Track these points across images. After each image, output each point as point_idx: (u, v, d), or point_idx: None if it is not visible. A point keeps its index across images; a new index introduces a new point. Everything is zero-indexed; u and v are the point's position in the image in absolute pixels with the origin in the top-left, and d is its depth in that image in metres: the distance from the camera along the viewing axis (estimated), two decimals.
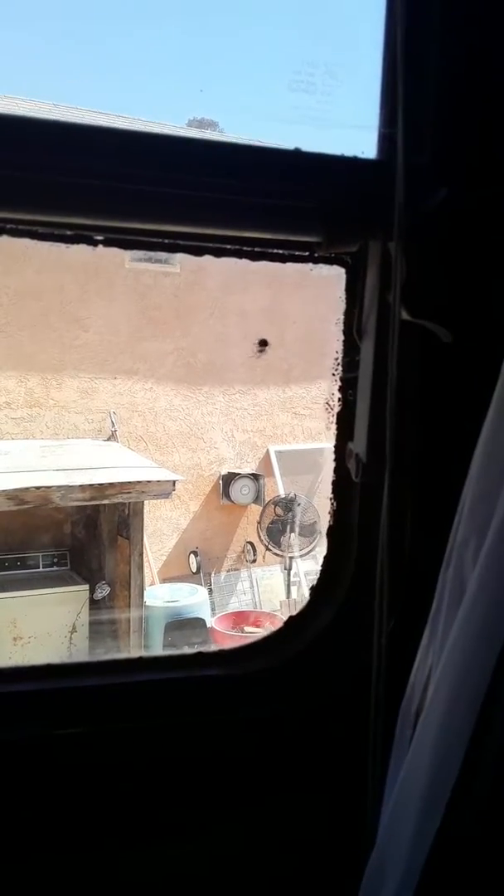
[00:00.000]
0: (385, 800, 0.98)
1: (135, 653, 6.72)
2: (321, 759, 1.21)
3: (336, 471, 1.23)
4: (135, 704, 1.15)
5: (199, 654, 1.22)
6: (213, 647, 6.95)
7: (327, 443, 8.87)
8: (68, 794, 1.11)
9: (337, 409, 1.23)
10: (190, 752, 1.16)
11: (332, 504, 1.25)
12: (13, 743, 1.08)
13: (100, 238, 1.07)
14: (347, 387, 1.20)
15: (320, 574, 1.27)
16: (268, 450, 8.80)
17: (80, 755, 1.11)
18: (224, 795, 1.18)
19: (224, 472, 8.50)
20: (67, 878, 1.13)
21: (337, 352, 1.23)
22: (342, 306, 1.21)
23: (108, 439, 7.84)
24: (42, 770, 1.10)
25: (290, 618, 1.26)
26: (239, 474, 8.43)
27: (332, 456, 1.24)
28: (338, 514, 1.24)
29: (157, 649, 6.90)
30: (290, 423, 8.97)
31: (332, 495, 1.25)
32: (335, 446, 1.23)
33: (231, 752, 1.18)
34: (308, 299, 8.29)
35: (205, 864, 1.19)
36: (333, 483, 1.25)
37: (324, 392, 8.94)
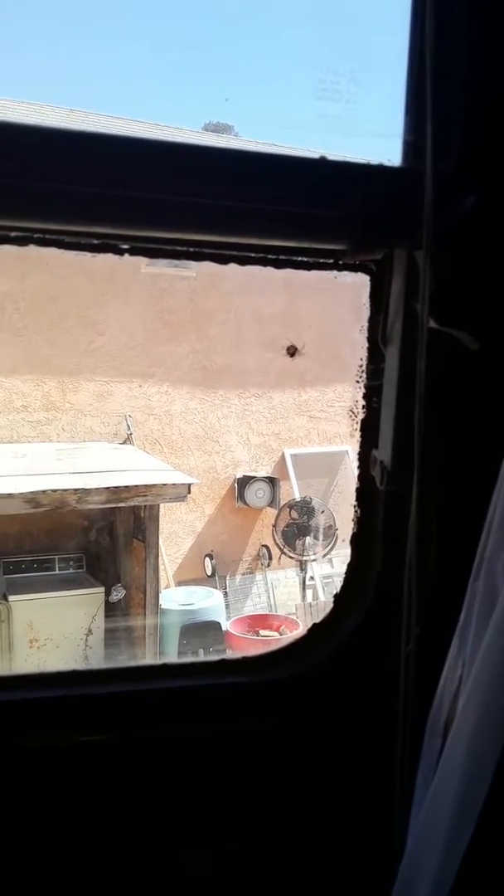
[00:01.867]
0: (414, 812, 0.97)
1: (150, 656, 6.74)
2: (347, 768, 1.20)
3: (360, 478, 1.23)
4: (159, 711, 1.15)
5: (224, 660, 1.22)
6: (228, 651, 6.95)
7: (343, 446, 8.88)
8: (90, 801, 1.11)
9: (361, 416, 1.23)
10: (214, 760, 1.16)
11: (356, 511, 1.25)
12: (37, 750, 1.08)
13: (125, 247, 1.07)
14: (372, 394, 1.20)
15: (344, 581, 1.27)
16: (283, 453, 8.80)
17: (105, 762, 1.11)
18: (249, 804, 1.18)
19: (239, 475, 8.50)
20: (91, 884, 1.13)
21: (361, 359, 1.22)
22: (366, 314, 1.21)
23: (124, 442, 7.87)
24: (65, 778, 1.10)
25: (314, 625, 1.26)
26: (254, 477, 8.43)
27: (356, 462, 1.24)
28: (362, 522, 1.23)
29: (173, 653, 6.91)
30: (305, 426, 8.96)
31: (356, 503, 1.25)
32: (359, 454, 1.23)
33: (255, 761, 1.17)
34: (324, 303, 8.28)
35: (234, 872, 1.18)
36: (357, 490, 1.24)
37: (339, 395, 8.93)
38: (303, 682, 1.20)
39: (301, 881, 1.21)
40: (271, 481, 8.50)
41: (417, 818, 0.94)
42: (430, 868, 0.88)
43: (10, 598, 6.51)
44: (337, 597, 1.28)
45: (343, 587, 1.27)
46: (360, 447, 1.23)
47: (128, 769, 1.13)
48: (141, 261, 7.73)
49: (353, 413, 1.27)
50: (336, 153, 1.09)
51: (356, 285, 1.22)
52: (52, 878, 1.12)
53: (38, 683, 1.13)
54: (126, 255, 1.09)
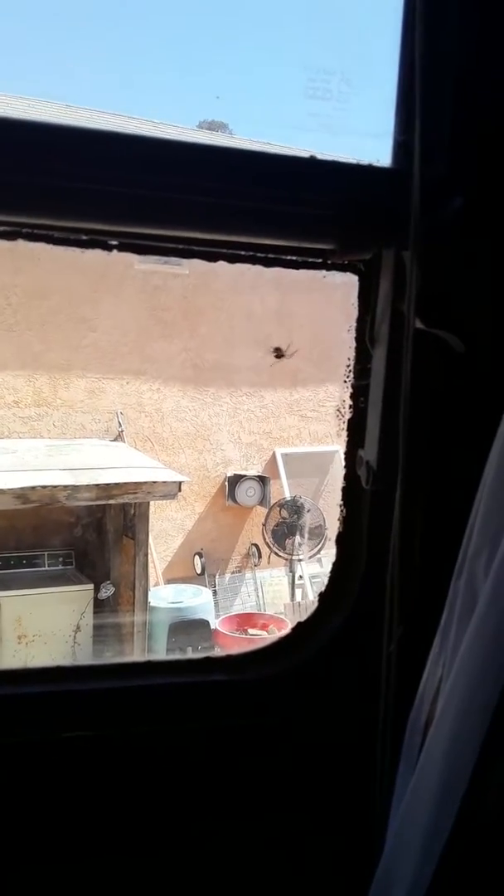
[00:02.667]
0: (393, 810, 0.97)
1: (138, 654, 6.74)
2: (328, 767, 1.20)
3: (346, 478, 1.23)
4: (142, 709, 1.15)
5: (208, 658, 1.22)
6: (216, 649, 6.95)
7: (334, 446, 8.90)
8: (73, 798, 1.11)
9: (348, 415, 1.23)
10: (195, 758, 1.16)
11: (341, 511, 1.25)
12: (21, 745, 1.08)
13: (114, 243, 1.07)
14: (359, 394, 1.20)
15: (329, 580, 1.27)
16: (274, 452, 8.81)
17: (86, 759, 1.11)
18: (229, 802, 1.18)
19: (230, 473, 8.50)
20: (72, 882, 1.13)
21: (349, 359, 1.23)
22: (355, 313, 1.21)
23: (115, 439, 7.85)
24: (47, 774, 1.10)
25: (299, 624, 1.26)
26: (245, 476, 8.43)
27: (342, 461, 1.24)
28: (347, 521, 1.24)
29: (161, 650, 6.91)
30: (296, 425, 8.97)
31: (342, 502, 1.25)
32: (346, 453, 1.23)
33: (236, 759, 1.17)
34: (316, 302, 8.29)
35: (210, 872, 1.18)
36: (343, 490, 1.24)
37: (330, 395, 8.94)
38: (286, 680, 1.20)
39: (280, 880, 1.21)
40: (262, 480, 8.50)
41: (396, 817, 0.95)
42: (408, 867, 0.88)
43: None
44: (322, 595, 1.28)
45: (328, 586, 1.27)
46: (347, 447, 1.23)
47: (110, 766, 1.13)
48: (134, 258, 7.72)
49: (340, 412, 1.27)
50: (332, 153, 1.09)
51: (348, 285, 1.23)
52: (34, 877, 1.11)
53: (20, 679, 1.13)
54: (115, 251, 1.09)
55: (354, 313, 1.21)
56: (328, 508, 8.04)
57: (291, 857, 1.20)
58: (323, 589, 1.28)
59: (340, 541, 1.25)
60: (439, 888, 0.88)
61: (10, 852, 1.09)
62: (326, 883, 1.22)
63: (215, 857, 1.18)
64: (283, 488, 8.52)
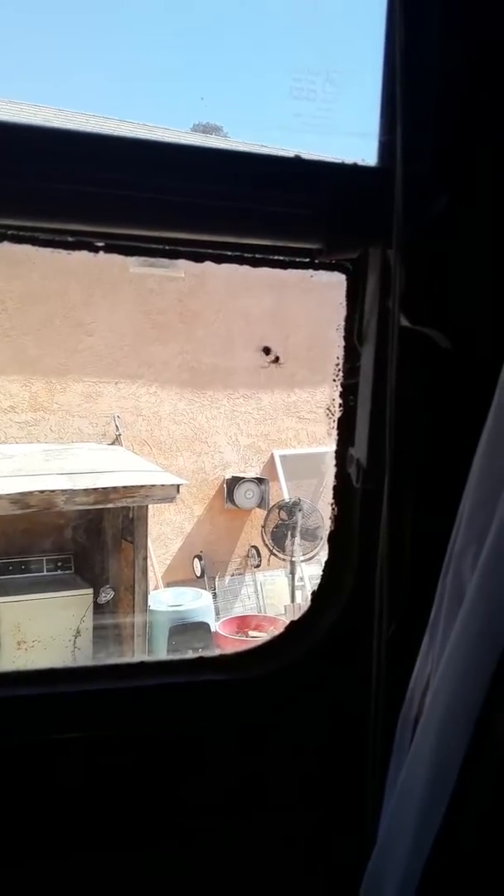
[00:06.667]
0: (384, 807, 0.98)
1: (138, 657, 6.73)
2: (321, 764, 1.21)
3: (337, 476, 1.24)
4: (136, 709, 1.15)
5: (201, 658, 1.22)
6: (216, 652, 6.94)
7: (332, 447, 8.86)
8: (68, 799, 1.11)
9: (338, 414, 1.23)
10: (190, 757, 1.16)
11: (332, 509, 1.25)
12: (13, 747, 1.08)
13: (100, 244, 1.08)
14: (348, 392, 1.20)
15: (321, 579, 1.27)
16: (272, 454, 8.80)
17: (81, 760, 1.11)
18: (223, 801, 1.18)
19: (228, 476, 8.50)
20: (66, 883, 1.13)
21: (338, 357, 1.23)
22: (343, 312, 1.21)
23: (113, 443, 7.85)
24: (42, 775, 1.10)
25: (291, 623, 1.26)
26: (243, 478, 8.43)
27: (334, 461, 1.24)
28: (339, 520, 1.24)
29: (162, 653, 6.90)
30: (294, 427, 8.97)
31: (333, 501, 1.25)
32: (336, 452, 1.23)
33: (230, 757, 1.18)
34: (312, 303, 8.29)
35: (205, 869, 1.18)
36: (334, 488, 1.25)
37: (328, 396, 8.93)
38: (279, 679, 1.21)
39: (274, 877, 1.21)
40: (260, 482, 8.50)
41: (387, 813, 0.95)
42: (398, 862, 0.88)
43: None
44: (314, 594, 1.28)
45: (320, 585, 1.27)
46: (337, 445, 1.23)
47: (103, 767, 1.13)
48: (129, 261, 7.72)
49: (330, 412, 1.28)
50: (318, 153, 1.10)
51: (343, 284, 1.23)
52: (29, 879, 1.12)
53: (14, 681, 1.13)
54: (101, 253, 1.10)
55: (343, 312, 1.22)
56: (327, 509, 8.02)
57: (285, 855, 1.21)
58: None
59: (332, 540, 1.25)
60: (429, 883, 0.88)
61: (5, 853, 1.09)
62: (319, 879, 1.22)
63: (209, 856, 1.18)
64: (282, 490, 8.51)
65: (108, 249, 1.08)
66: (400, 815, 0.91)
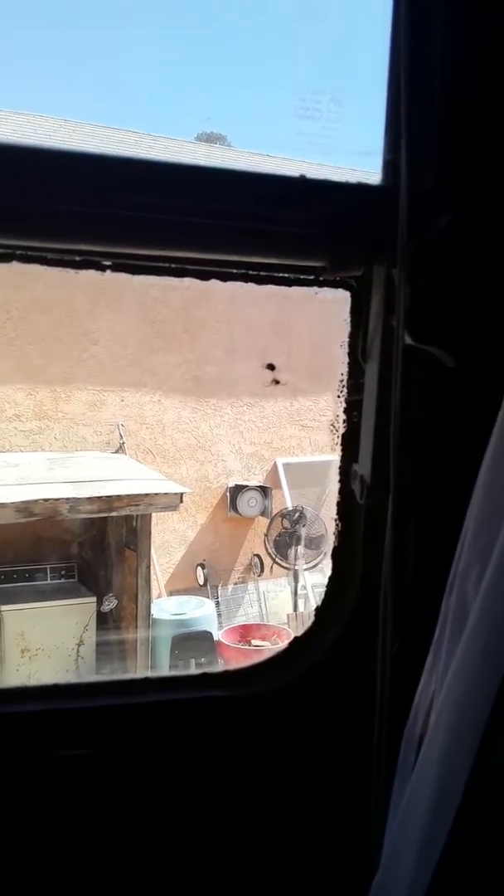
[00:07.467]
0: (388, 824, 0.97)
1: (142, 666, 6.72)
2: (325, 781, 1.21)
3: (341, 492, 1.24)
4: (140, 726, 1.15)
5: (205, 674, 1.22)
6: (219, 662, 6.93)
7: (335, 455, 8.87)
8: (74, 815, 1.11)
9: (342, 430, 1.24)
10: (194, 774, 1.16)
11: (336, 525, 1.26)
12: (18, 764, 1.09)
13: (108, 264, 1.08)
14: (352, 409, 1.21)
15: (325, 595, 1.27)
16: (275, 462, 8.80)
17: (86, 777, 1.12)
18: (227, 817, 1.18)
19: (231, 484, 8.49)
20: None
21: (342, 374, 1.24)
22: (347, 329, 1.22)
23: (116, 451, 7.86)
24: (47, 792, 1.10)
25: (295, 639, 1.27)
26: (246, 487, 8.43)
27: (338, 476, 1.25)
28: (343, 535, 1.24)
29: (165, 662, 6.89)
30: (297, 435, 8.97)
31: (336, 516, 1.26)
32: (340, 467, 1.24)
33: (233, 775, 1.18)
34: (315, 314, 8.30)
35: (210, 886, 1.18)
36: (338, 504, 1.25)
37: (331, 405, 8.94)
38: (283, 695, 1.21)
39: (279, 893, 1.21)
40: (263, 490, 8.49)
41: (391, 831, 0.95)
42: (404, 879, 0.88)
43: (2, 608, 6.48)
44: (318, 610, 1.29)
45: (324, 600, 1.28)
46: (341, 461, 1.24)
47: (109, 784, 1.13)
48: None
49: (334, 427, 1.28)
50: (326, 170, 1.10)
51: (345, 303, 1.24)
52: (32, 894, 1.11)
53: (17, 698, 1.13)
54: (108, 272, 1.10)
55: (347, 329, 1.23)
56: (331, 518, 8.02)
57: (289, 870, 1.20)
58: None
59: (336, 555, 1.26)
60: None
61: (10, 870, 1.09)
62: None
63: (214, 872, 1.18)
64: (285, 498, 8.51)
65: (115, 269, 1.09)
66: (404, 834, 0.91)
